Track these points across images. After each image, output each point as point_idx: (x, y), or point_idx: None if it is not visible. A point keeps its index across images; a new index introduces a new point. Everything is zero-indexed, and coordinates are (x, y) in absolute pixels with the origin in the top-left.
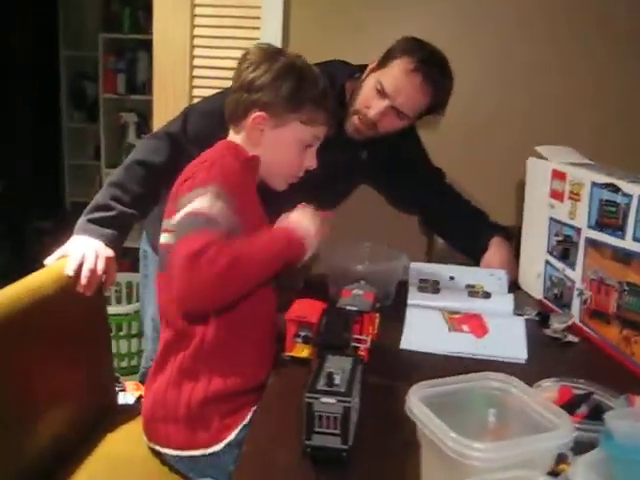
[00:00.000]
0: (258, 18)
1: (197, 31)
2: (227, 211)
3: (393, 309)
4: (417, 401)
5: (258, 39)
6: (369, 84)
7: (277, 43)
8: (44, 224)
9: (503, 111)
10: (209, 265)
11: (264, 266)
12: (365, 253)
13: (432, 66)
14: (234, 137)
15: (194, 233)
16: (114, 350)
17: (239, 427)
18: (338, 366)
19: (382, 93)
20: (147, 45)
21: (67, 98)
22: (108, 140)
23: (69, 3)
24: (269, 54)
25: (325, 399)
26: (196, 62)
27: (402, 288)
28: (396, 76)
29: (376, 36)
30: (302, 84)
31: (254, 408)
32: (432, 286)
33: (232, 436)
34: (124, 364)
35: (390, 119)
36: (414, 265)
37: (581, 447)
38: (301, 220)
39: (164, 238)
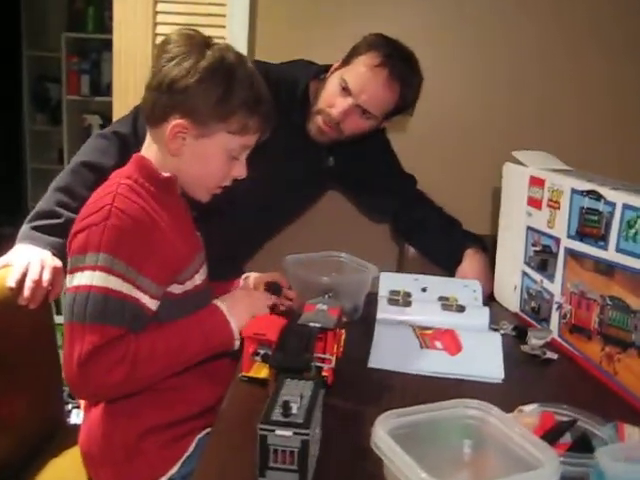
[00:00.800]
0: (223, 16)
1: (159, 29)
2: (126, 278)
3: (362, 324)
4: (383, 434)
5: (224, 38)
6: (333, 82)
7: (244, 41)
8: (4, 230)
9: (480, 116)
10: (103, 375)
11: (174, 365)
12: (332, 264)
13: (398, 61)
14: (151, 143)
15: (80, 326)
16: None
17: (182, 459)
18: (296, 392)
19: (346, 90)
20: (112, 45)
21: (30, 100)
22: (72, 143)
23: (32, 3)
24: (193, 46)
25: (280, 431)
26: None
27: (372, 301)
28: (361, 72)
29: (347, 34)
30: (232, 88)
31: (200, 436)
32: (403, 298)
33: (175, 469)
34: None
35: (355, 119)
36: (384, 276)
37: None
38: (234, 306)
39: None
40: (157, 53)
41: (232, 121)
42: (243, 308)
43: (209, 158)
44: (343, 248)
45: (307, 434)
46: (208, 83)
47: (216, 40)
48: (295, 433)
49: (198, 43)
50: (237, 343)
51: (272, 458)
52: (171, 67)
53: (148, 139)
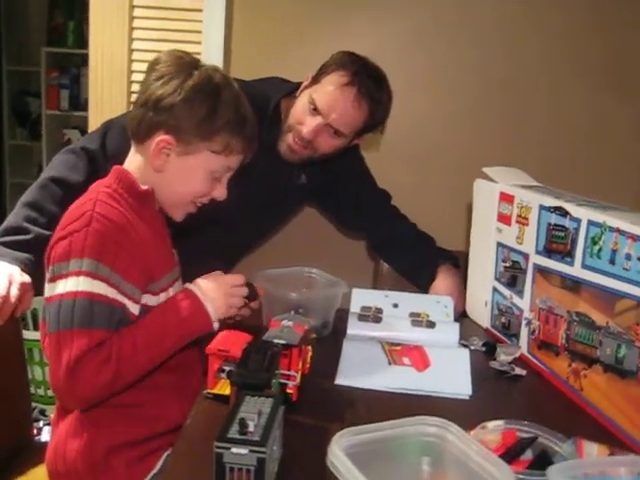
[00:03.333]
0: (199, 32)
1: (136, 45)
2: (110, 282)
3: (332, 340)
4: (339, 452)
5: (199, 54)
6: (302, 101)
7: (219, 58)
8: None
9: (451, 131)
10: (91, 377)
11: (157, 355)
12: (303, 280)
13: (367, 79)
14: (134, 158)
15: (68, 332)
16: (39, 378)
17: (148, 477)
18: (255, 409)
19: (315, 110)
20: None
21: (9, 115)
22: (51, 158)
23: (12, 16)
24: (182, 66)
25: (236, 449)
26: (134, 77)
27: (343, 317)
28: (329, 91)
29: (321, 51)
30: (217, 108)
31: (167, 453)
32: (374, 314)
33: None
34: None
35: (325, 138)
36: (356, 292)
37: None
38: (210, 291)
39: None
40: (146, 71)
41: (215, 140)
42: (217, 289)
43: (191, 176)
44: (319, 264)
45: (264, 452)
46: (193, 102)
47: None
48: (251, 451)
49: (187, 64)
50: (216, 325)
51: (229, 476)
52: (159, 85)
53: (131, 154)
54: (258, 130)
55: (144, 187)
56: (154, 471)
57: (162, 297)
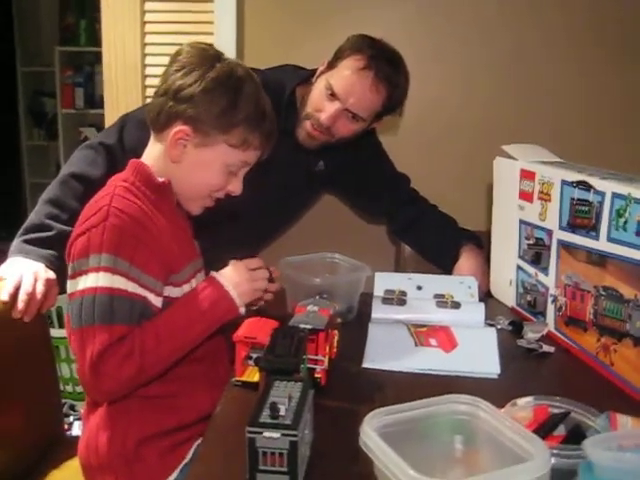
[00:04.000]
0: (211, 23)
1: (148, 39)
2: (130, 277)
3: (357, 324)
4: (372, 432)
5: (211, 45)
6: (319, 87)
7: (231, 50)
8: (4, 245)
9: (467, 112)
10: (114, 372)
11: (181, 346)
12: (326, 265)
13: (384, 62)
14: (153, 148)
15: (90, 328)
16: (67, 375)
17: (180, 466)
18: (285, 394)
19: (333, 95)
20: None
21: (26, 116)
22: (68, 157)
23: (24, 18)
24: (204, 58)
25: (268, 433)
26: (148, 71)
27: (367, 301)
28: (346, 76)
29: (334, 38)
30: (237, 102)
31: (198, 442)
32: (398, 297)
33: (173, 477)
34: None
35: (343, 122)
36: (379, 275)
37: (560, 476)
38: (233, 277)
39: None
40: (169, 62)
41: (233, 134)
42: (239, 274)
43: (208, 168)
44: (340, 250)
45: (295, 435)
46: (214, 93)
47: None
48: (283, 434)
49: (209, 56)
50: (242, 310)
51: (261, 460)
52: (180, 76)
53: (150, 145)
54: (275, 120)
55: (161, 179)
56: (185, 460)
57: (185, 288)
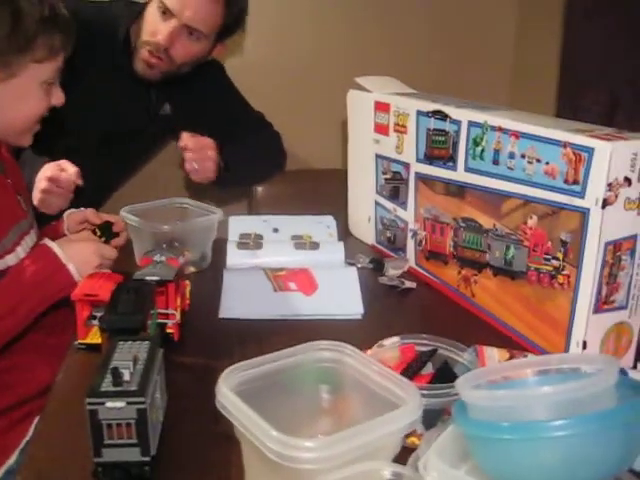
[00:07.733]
0: None
1: None
2: None
3: (212, 272)
4: (228, 391)
5: None
6: (151, 11)
7: None
8: None
9: (321, 46)
10: None
11: (16, 323)
12: (175, 211)
13: None
14: None
15: None
16: None
17: (20, 446)
18: (129, 356)
19: (167, 13)
20: None
21: None
22: None
23: None
24: None
25: (111, 403)
26: None
27: (221, 247)
28: None
29: None
30: (20, 10)
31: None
32: (254, 241)
33: (12, 459)
34: None
35: (183, 43)
36: (233, 219)
37: (430, 415)
38: (73, 246)
39: None
40: None
41: (35, 47)
42: (82, 248)
43: (27, 96)
44: (190, 196)
45: (143, 402)
46: None
47: None
48: (129, 403)
49: None
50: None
51: (107, 434)
52: None
53: None
54: (110, 55)
55: None
56: (26, 439)
57: (10, 260)
